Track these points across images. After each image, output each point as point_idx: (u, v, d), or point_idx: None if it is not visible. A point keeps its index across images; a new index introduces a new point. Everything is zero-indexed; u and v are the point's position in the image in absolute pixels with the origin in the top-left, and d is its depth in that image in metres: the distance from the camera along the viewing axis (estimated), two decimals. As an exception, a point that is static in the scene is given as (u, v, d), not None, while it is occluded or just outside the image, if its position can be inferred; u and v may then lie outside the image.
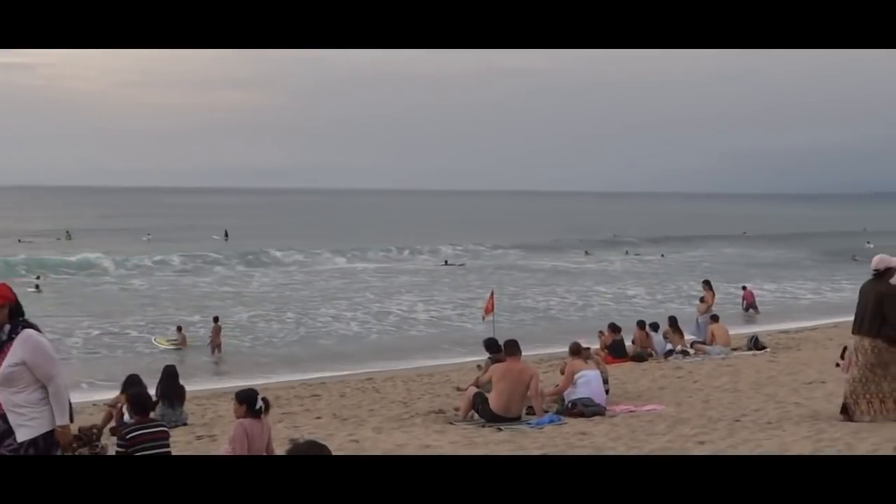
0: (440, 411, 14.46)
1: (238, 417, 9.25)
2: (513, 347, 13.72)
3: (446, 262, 56.83)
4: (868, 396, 11.42)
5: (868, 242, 73.94)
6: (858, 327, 11.46)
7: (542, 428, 12.69)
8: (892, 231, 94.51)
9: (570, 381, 13.90)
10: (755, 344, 22.17)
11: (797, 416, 12.44)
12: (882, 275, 11.41)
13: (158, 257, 53.74)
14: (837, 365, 16.82)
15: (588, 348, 15.69)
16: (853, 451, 9.98)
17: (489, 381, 13.46)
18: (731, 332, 23.50)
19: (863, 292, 11.57)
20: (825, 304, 38.24)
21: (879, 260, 11.52)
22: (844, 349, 16.14)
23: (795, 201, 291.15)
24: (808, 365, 18.29)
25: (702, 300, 25.53)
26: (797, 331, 26.78)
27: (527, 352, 23.28)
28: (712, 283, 26.74)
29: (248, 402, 9.21)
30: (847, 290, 42.25)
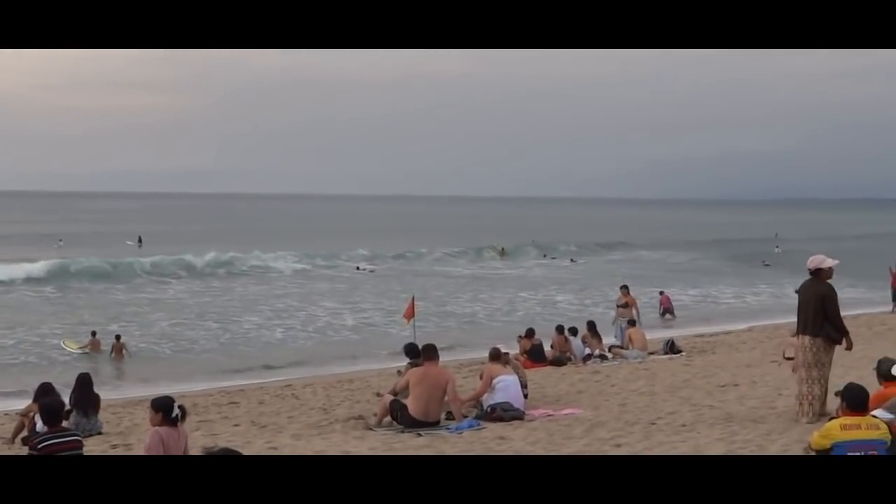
0: (360, 417, 14.42)
1: (154, 426, 9.10)
2: (430, 352, 13.75)
3: (358, 267, 56.70)
4: (810, 398, 11.75)
5: (777, 247, 75.68)
6: (803, 327, 11.79)
7: (461, 433, 12.74)
8: (801, 237, 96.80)
9: (489, 386, 13.97)
10: (671, 348, 22.54)
11: (711, 419, 12.68)
12: (819, 274, 11.77)
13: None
14: (779, 364, 17.22)
15: (507, 353, 15.79)
16: (764, 451, 10.23)
17: (406, 387, 13.45)
18: (648, 336, 23.88)
19: (801, 292, 11.96)
20: (739, 308, 38.92)
21: (817, 260, 11.89)
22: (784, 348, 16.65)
23: (713, 207, 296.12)
24: (723, 368, 18.65)
25: (625, 306, 25.78)
26: (712, 335, 27.26)
27: (451, 357, 23.65)
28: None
29: (164, 409, 9.06)
30: (763, 295, 43.29)
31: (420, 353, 14.40)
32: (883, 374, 9.99)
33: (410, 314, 23.95)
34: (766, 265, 61.86)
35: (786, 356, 17.42)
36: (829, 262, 11.84)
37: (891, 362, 9.85)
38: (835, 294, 11.66)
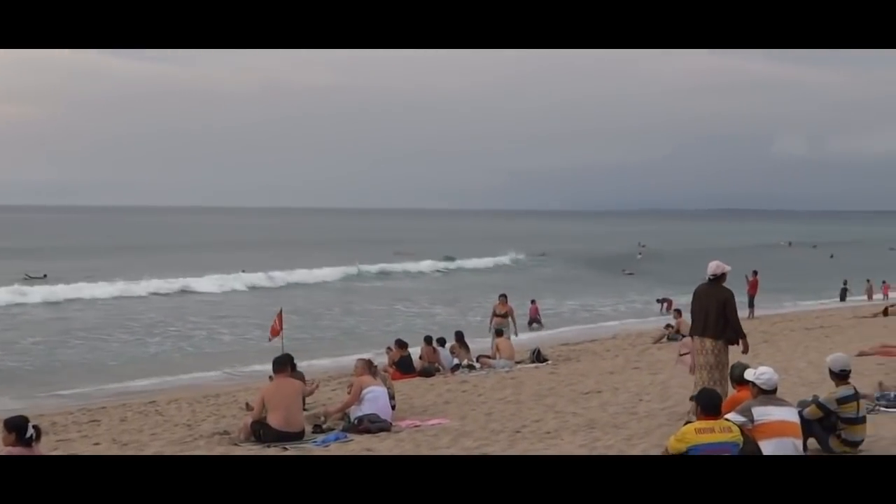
0: (225, 433, 14.18)
1: (6, 446, 8.73)
2: (281, 365, 13.79)
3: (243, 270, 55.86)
4: None
5: (639, 254, 77.82)
6: (703, 329, 12.01)
7: (327, 446, 12.67)
8: (665, 247, 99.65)
9: (358, 398, 13.93)
10: (538, 357, 22.85)
11: (574, 426, 12.92)
12: (717, 279, 12.09)
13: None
14: (676, 363, 17.63)
15: (376, 366, 15.77)
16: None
17: (263, 405, 13.29)
18: (516, 345, 24.19)
19: (700, 296, 12.17)
20: (604, 317, 39.81)
21: (716, 266, 12.18)
22: (681, 347, 17.16)
23: (577, 218, 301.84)
24: (587, 376, 19.01)
25: (504, 315, 26.03)
26: (578, 343, 27.74)
27: (321, 369, 23.49)
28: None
29: (18, 429, 8.68)
30: (625, 304, 44.33)
31: (288, 365, 14.31)
32: (736, 379, 10.35)
33: (278, 328, 23.63)
34: (629, 274, 63.51)
35: (681, 353, 17.99)
36: (726, 268, 12.20)
37: (743, 367, 10.20)
38: (734, 299, 12.05)
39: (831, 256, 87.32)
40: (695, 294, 12.25)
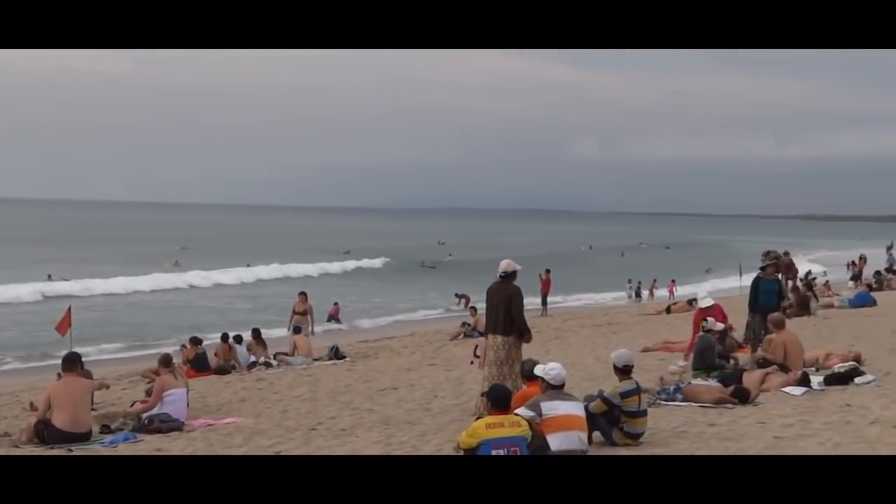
0: (6, 434, 13.48)
1: None
2: (69, 364, 13.29)
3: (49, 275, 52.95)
4: None
5: (449, 255, 79.17)
6: (493, 326, 12.24)
7: (115, 446, 12.27)
8: (466, 245, 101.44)
9: (160, 399, 13.55)
10: (336, 353, 22.79)
11: (370, 422, 12.97)
12: (508, 277, 12.34)
13: None
14: (472, 363, 17.92)
15: (174, 363, 15.37)
16: (418, 451, 10.60)
17: (49, 404, 12.75)
18: (315, 342, 24.09)
19: (491, 294, 12.40)
20: (403, 312, 40.13)
21: (507, 264, 12.46)
22: (476, 347, 17.50)
23: (381, 215, 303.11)
24: (384, 373, 19.11)
25: (303, 313, 25.85)
26: (376, 340, 27.83)
27: (112, 367, 22.67)
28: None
29: None
30: (426, 300, 44.81)
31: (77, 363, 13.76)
32: (526, 374, 10.65)
33: (66, 325, 22.62)
34: (431, 267, 64.34)
35: (476, 353, 18.38)
36: (516, 266, 12.48)
37: (533, 363, 10.52)
38: (521, 295, 12.32)
39: (622, 255, 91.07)
40: (487, 292, 12.54)
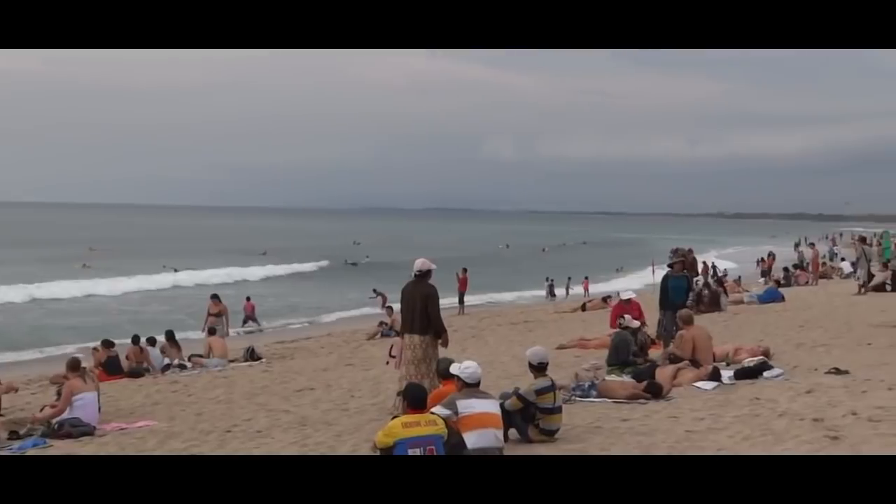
0: None
1: None
2: None
3: None
4: None
5: (367, 256, 79.07)
6: (410, 325, 12.25)
7: (24, 452, 11.98)
8: (383, 243, 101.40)
9: (69, 403, 13.27)
10: (251, 355, 22.59)
11: (286, 423, 12.88)
12: (423, 276, 12.37)
13: None
14: (387, 363, 17.93)
15: (84, 367, 15.07)
16: (335, 452, 10.56)
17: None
18: (231, 343, 23.85)
19: (406, 293, 12.43)
20: (321, 311, 39.96)
21: (421, 263, 12.48)
22: (391, 347, 17.79)
23: (299, 215, 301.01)
24: (300, 373, 19.00)
25: (217, 314, 25.60)
26: (293, 341, 27.67)
27: (20, 371, 22.16)
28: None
29: None
30: (344, 299, 44.65)
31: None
32: (441, 373, 10.68)
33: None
34: (353, 264, 64.13)
35: (391, 353, 18.44)
36: (431, 266, 12.54)
37: (449, 361, 10.54)
38: (437, 294, 12.36)
39: (543, 250, 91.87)
40: (402, 292, 12.58)
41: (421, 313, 12.17)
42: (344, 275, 62.88)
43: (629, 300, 17.14)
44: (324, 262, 71.63)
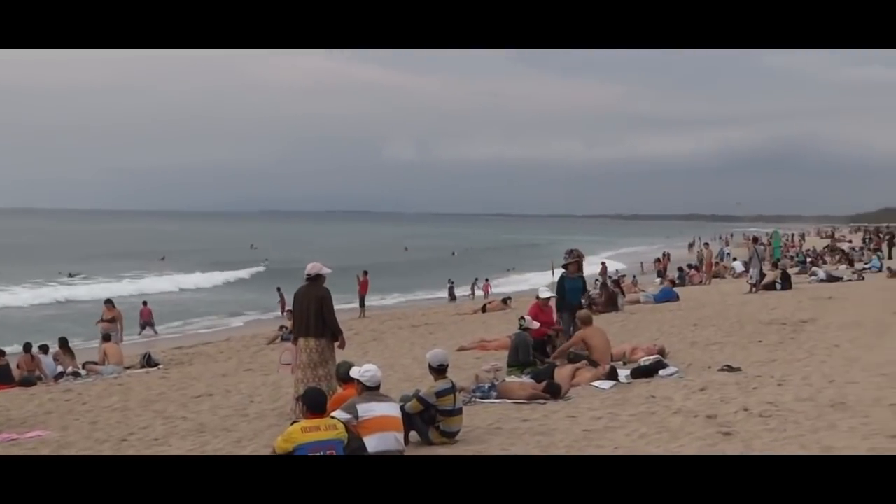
0: None
1: None
2: None
3: None
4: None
5: (266, 260, 78.38)
6: (305, 329, 12.17)
7: None
8: (282, 247, 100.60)
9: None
10: (148, 361, 22.20)
11: (184, 430, 12.68)
12: (316, 280, 12.33)
13: None
14: (278, 371, 17.71)
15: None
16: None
17: None
18: (127, 350, 23.38)
19: (300, 297, 12.38)
20: (220, 318, 39.45)
21: (313, 267, 12.46)
22: (282, 353, 17.25)
23: (194, 219, 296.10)
24: (199, 379, 18.71)
25: (111, 320, 25.15)
26: (192, 346, 27.25)
27: None
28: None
29: None
30: (243, 303, 44.12)
31: None
32: (341, 377, 10.65)
33: None
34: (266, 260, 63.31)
35: (283, 362, 18.22)
36: (325, 270, 12.53)
37: (349, 365, 10.52)
38: (331, 297, 12.34)
39: (453, 254, 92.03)
40: (295, 296, 12.59)
41: (316, 316, 12.16)
42: (244, 280, 62.18)
43: (548, 299, 17.11)
44: (224, 266, 70.61)
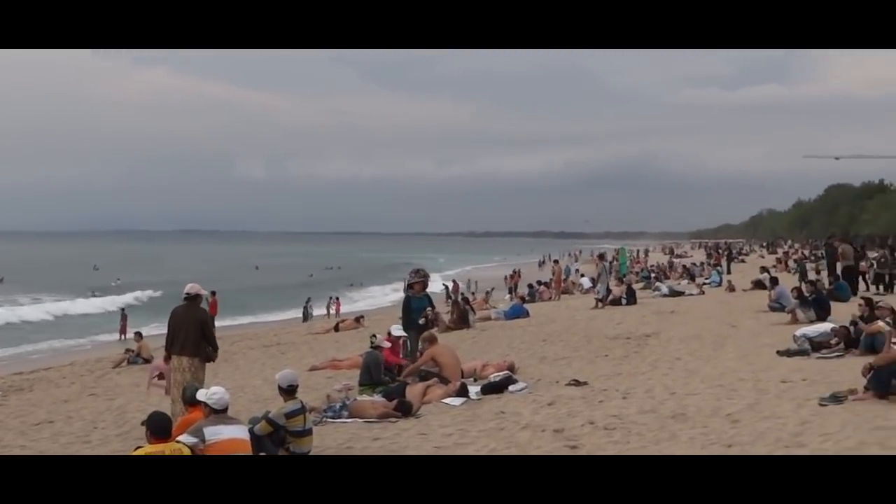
0: None
1: None
2: None
3: None
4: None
5: (117, 279, 76.20)
6: (180, 348, 12.32)
7: None
8: (129, 266, 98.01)
9: None
10: (-20, 389, 21.23)
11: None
12: (193, 300, 12.59)
13: None
14: (148, 389, 17.26)
15: None
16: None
17: None
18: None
19: (177, 315, 12.56)
20: (61, 340, 38.11)
21: (192, 287, 12.70)
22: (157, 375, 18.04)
23: (35, 239, 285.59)
24: (39, 406, 17.98)
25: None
26: (32, 371, 26.19)
27: None
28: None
29: None
30: (78, 328, 42.70)
31: None
32: (188, 400, 10.42)
33: None
34: (95, 295, 61.56)
35: (156, 383, 17.90)
36: (203, 291, 13.00)
37: (195, 388, 10.30)
38: (211, 318, 12.39)
39: (311, 276, 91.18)
40: (173, 313, 12.68)
41: (194, 335, 12.33)
42: (89, 301, 60.24)
43: (399, 337, 17.10)
44: (67, 289, 68.33)
